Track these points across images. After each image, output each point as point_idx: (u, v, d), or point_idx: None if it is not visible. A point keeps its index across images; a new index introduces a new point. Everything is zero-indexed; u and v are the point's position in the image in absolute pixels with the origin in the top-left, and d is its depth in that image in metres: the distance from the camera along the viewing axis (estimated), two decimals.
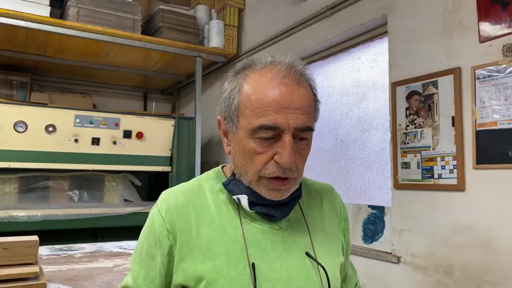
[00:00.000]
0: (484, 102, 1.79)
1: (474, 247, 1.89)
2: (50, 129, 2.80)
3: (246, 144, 0.80)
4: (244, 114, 0.80)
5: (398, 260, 2.23)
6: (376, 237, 2.52)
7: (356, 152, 2.67)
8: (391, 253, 2.29)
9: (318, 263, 0.84)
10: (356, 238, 2.62)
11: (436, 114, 2.00)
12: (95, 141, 2.94)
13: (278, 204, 0.84)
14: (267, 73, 0.80)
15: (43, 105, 2.95)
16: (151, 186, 3.62)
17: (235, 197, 0.85)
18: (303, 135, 0.80)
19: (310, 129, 0.81)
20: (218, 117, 0.89)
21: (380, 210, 2.53)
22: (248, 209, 0.84)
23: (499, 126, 1.74)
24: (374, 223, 2.56)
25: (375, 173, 2.55)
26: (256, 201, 0.83)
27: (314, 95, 0.86)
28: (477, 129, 1.82)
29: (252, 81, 0.81)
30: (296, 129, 0.78)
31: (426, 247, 2.10)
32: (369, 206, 2.61)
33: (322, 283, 0.84)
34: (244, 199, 0.84)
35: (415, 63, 2.12)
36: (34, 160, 2.76)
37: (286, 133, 0.77)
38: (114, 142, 3.01)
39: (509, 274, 1.76)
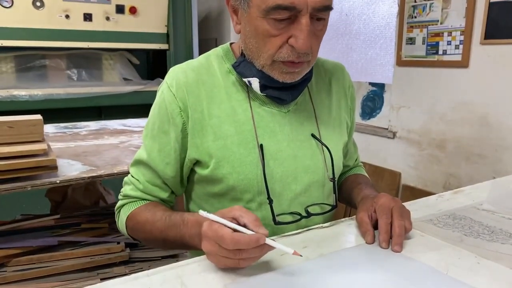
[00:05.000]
0: None
1: (469, 122, 1.94)
2: (38, 3, 2.65)
3: (259, 25, 0.74)
4: None
5: (393, 135, 2.31)
6: (374, 114, 2.57)
7: (361, 27, 2.56)
8: (387, 128, 2.36)
9: (323, 144, 0.87)
10: None
11: None
12: (87, 17, 2.81)
13: (289, 87, 0.82)
14: None
15: None
16: (150, 65, 3.55)
17: (245, 80, 0.83)
18: (321, 15, 0.74)
19: (329, 8, 0.74)
20: None
21: (380, 87, 2.53)
22: (259, 92, 0.83)
23: None
24: (373, 100, 2.58)
25: (379, 49, 2.48)
26: (268, 84, 0.81)
27: None
28: (491, 0, 1.71)
29: None
30: (315, 9, 0.71)
31: (422, 123, 2.16)
32: (370, 83, 2.60)
33: (325, 162, 0.88)
34: (255, 82, 0.82)
35: None
36: (26, 38, 2.67)
37: (303, 14, 0.71)
38: (107, 18, 2.88)
39: (498, 147, 1.83)
